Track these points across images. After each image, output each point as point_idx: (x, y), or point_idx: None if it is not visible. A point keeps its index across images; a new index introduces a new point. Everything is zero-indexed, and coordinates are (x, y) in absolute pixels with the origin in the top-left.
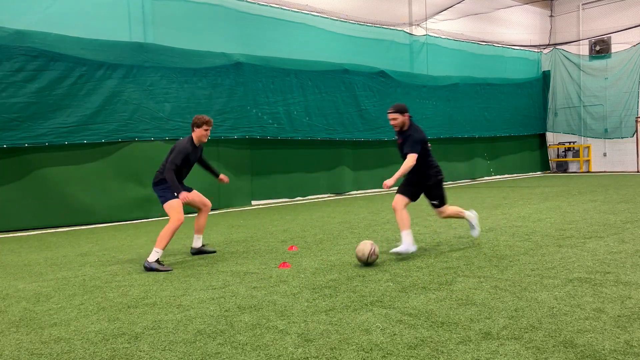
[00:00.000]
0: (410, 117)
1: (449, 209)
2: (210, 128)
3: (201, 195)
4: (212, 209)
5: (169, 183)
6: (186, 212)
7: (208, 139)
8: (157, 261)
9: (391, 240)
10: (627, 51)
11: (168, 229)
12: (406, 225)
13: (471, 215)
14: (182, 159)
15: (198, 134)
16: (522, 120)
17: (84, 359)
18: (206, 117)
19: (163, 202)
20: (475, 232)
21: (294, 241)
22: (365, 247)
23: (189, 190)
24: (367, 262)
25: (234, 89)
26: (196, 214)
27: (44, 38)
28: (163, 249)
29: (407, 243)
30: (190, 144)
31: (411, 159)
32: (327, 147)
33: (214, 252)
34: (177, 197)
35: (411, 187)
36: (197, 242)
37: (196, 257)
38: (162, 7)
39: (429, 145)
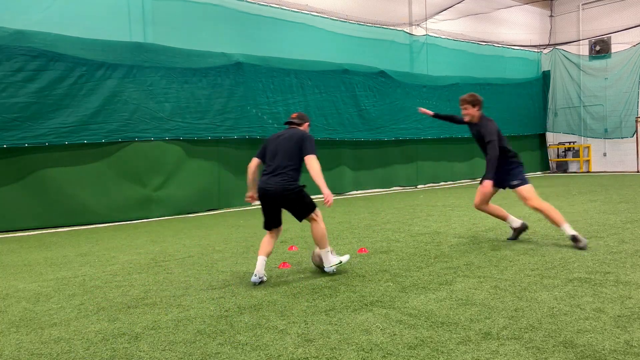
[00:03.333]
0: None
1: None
2: (465, 108)
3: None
4: (211, 209)
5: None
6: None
7: (209, 139)
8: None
9: (391, 240)
10: (627, 51)
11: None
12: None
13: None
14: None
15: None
16: (522, 120)
17: (84, 359)
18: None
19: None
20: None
21: (294, 241)
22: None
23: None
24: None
25: (234, 89)
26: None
27: (44, 38)
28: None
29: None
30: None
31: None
32: (327, 147)
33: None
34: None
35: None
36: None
37: (195, 256)
38: (162, 7)
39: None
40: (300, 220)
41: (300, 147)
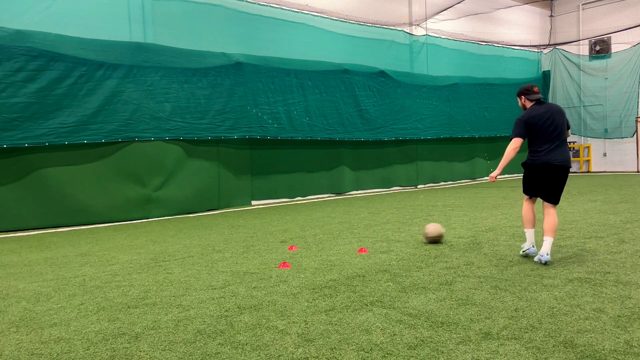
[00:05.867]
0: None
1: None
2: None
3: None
4: (211, 209)
5: None
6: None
7: (209, 139)
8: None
9: (391, 240)
10: (627, 51)
11: None
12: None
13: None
14: None
15: None
16: None
17: (84, 359)
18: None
19: None
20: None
21: (294, 241)
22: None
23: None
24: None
25: (234, 89)
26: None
27: (44, 38)
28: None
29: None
30: None
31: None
32: (327, 147)
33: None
34: None
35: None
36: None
37: (195, 256)
38: (162, 7)
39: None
40: (554, 202)
41: (566, 121)
